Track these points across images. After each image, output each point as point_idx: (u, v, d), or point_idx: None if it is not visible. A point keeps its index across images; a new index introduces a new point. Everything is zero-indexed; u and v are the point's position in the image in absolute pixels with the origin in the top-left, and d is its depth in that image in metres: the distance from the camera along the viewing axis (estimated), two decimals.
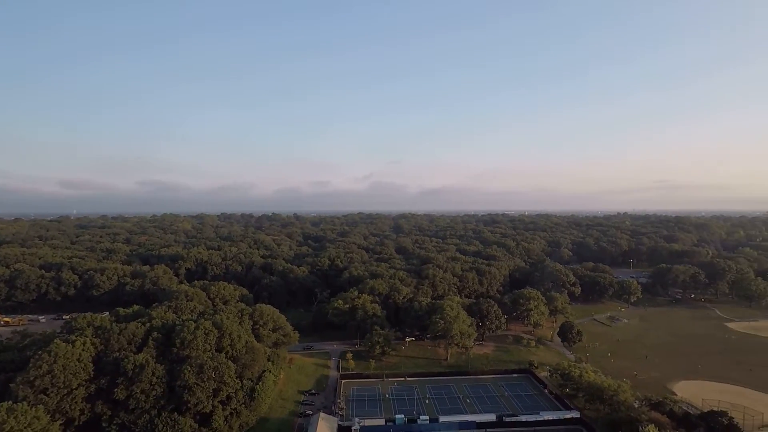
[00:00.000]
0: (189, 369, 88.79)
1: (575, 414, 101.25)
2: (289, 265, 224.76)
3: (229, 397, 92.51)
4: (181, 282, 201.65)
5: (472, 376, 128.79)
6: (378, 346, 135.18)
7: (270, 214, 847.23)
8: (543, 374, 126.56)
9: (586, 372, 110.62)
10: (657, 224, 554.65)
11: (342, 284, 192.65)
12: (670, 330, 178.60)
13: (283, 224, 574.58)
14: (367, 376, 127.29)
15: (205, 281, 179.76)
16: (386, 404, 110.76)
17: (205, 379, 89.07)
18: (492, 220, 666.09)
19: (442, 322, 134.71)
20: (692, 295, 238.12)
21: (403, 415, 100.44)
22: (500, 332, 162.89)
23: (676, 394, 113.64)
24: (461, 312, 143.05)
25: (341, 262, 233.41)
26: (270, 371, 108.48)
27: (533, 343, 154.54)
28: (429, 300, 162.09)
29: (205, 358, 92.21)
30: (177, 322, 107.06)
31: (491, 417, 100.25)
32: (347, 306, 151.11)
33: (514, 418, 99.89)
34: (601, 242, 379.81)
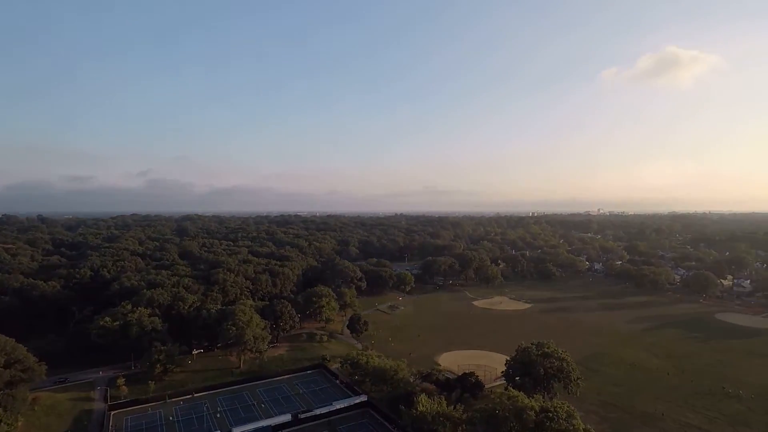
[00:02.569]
0: None
1: (363, 398, 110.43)
2: (32, 280, 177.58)
3: None
4: None
5: (266, 380, 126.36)
6: (159, 365, 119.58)
7: (0, 216, 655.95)
8: (335, 366, 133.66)
9: (372, 358, 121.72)
10: (425, 223, 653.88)
11: (110, 298, 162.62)
12: (435, 312, 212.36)
13: (21, 229, 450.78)
14: (145, 401, 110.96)
15: None
16: (170, 428, 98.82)
17: None
18: (285, 221, 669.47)
19: (234, 328, 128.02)
20: (450, 281, 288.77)
21: None
22: (294, 331, 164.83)
23: (440, 365, 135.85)
24: (254, 316, 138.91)
25: (109, 271, 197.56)
26: (1, 420, 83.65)
27: (326, 338, 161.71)
28: (219, 307, 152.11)
29: None
30: None
31: (287, 417, 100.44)
32: (117, 323, 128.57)
33: (309, 414, 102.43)
34: (383, 240, 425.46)
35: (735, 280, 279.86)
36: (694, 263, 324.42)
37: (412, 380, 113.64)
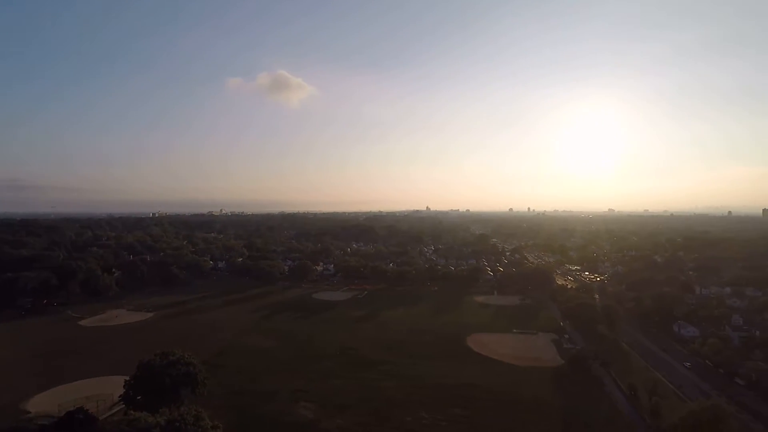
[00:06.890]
0: None
1: None
2: None
3: None
4: None
5: None
6: None
7: None
8: None
9: None
10: (1, 229, 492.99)
11: None
12: (19, 346, 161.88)
13: None
14: None
15: None
16: None
17: None
18: None
19: None
20: (45, 301, 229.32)
21: None
22: None
23: (30, 412, 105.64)
24: None
25: None
26: None
27: None
28: None
29: None
30: None
31: None
32: None
33: None
34: None
35: (324, 266, 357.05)
36: (298, 254, 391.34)
37: None
